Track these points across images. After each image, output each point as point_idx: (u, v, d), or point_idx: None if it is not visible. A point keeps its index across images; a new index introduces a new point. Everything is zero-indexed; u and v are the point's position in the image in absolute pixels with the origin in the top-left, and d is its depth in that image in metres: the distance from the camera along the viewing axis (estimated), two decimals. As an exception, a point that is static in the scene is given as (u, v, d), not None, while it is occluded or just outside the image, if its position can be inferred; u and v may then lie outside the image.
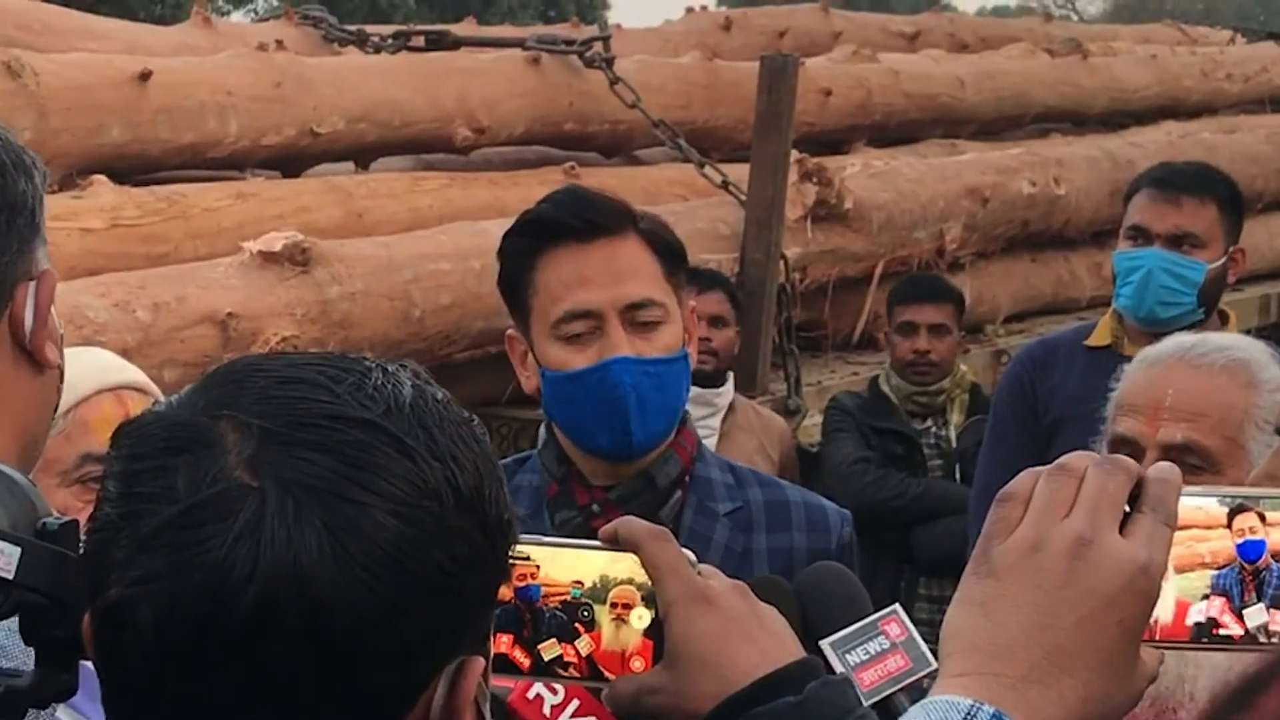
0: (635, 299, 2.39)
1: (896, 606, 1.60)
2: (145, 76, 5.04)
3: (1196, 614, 1.21)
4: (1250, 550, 1.22)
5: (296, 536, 1.00)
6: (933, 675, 1.50)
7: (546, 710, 1.54)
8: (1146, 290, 3.89)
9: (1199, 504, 1.22)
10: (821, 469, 5.42)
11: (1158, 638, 1.19)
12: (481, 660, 1.09)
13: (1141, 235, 3.95)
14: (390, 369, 1.10)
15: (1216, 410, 2.28)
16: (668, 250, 2.45)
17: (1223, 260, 3.96)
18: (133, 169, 5.12)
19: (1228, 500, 1.23)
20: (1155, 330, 3.74)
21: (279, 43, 5.93)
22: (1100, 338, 4.03)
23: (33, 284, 1.48)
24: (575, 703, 1.54)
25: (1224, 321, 4.03)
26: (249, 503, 1.01)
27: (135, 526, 1.03)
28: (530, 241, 2.43)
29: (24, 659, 1.21)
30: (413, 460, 1.04)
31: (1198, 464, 2.25)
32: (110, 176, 4.79)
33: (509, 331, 2.52)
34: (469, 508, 1.07)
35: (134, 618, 1.02)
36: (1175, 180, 4.00)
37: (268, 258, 4.40)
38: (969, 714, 1.08)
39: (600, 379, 2.37)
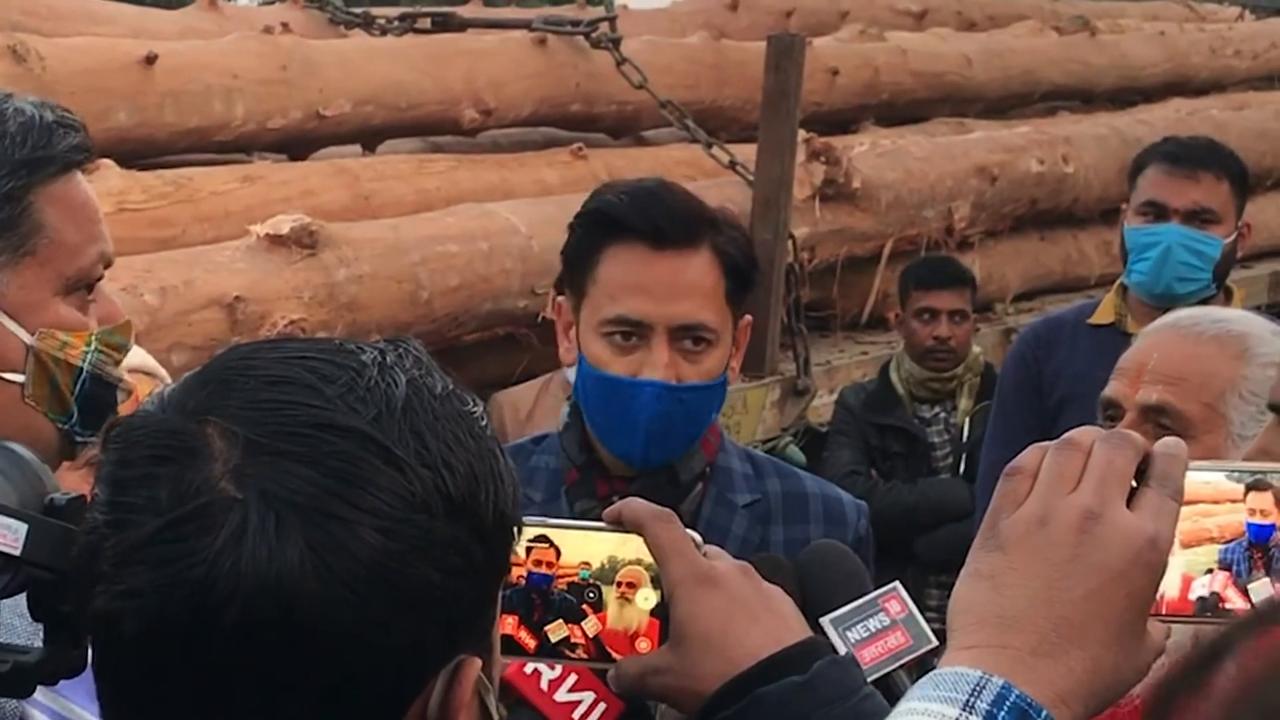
0: (688, 321, 2.33)
1: (897, 584, 1.60)
2: (151, 60, 5.03)
3: (1200, 588, 1.21)
4: (1260, 533, 1.21)
5: (278, 554, 0.99)
6: (933, 652, 1.50)
7: (544, 684, 1.54)
8: (1165, 266, 3.85)
9: (1206, 479, 1.22)
10: (825, 471, 5.41)
11: (1163, 612, 1.19)
12: (479, 661, 1.08)
13: (1157, 211, 3.91)
14: (389, 360, 1.08)
15: (1196, 376, 2.27)
16: (737, 269, 2.37)
17: (1234, 235, 3.94)
18: (139, 153, 5.11)
19: (1236, 475, 1.23)
20: (1166, 306, 3.73)
21: (285, 25, 5.93)
22: (1104, 315, 4.00)
23: None
24: (573, 677, 1.53)
25: (1228, 297, 4.01)
26: (231, 517, 1.00)
27: (120, 537, 1.03)
28: (600, 230, 2.36)
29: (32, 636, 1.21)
30: (400, 471, 1.03)
31: (1171, 426, 2.24)
32: (117, 160, 4.78)
33: (559, 298, 2.46)
34: (461, 515, 1.05)
35: (119, 630, 1.02)
36: (1190, 155, 3.95)
37: (275, 240, 4.39)
38: (978, 686, 1.08)
39: (631, 396, 2.33)
